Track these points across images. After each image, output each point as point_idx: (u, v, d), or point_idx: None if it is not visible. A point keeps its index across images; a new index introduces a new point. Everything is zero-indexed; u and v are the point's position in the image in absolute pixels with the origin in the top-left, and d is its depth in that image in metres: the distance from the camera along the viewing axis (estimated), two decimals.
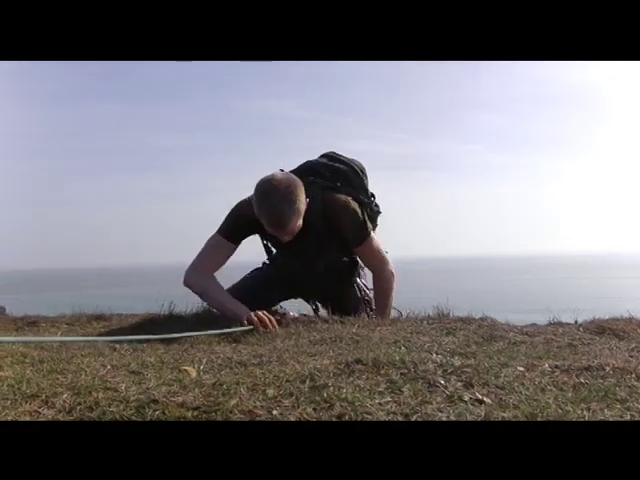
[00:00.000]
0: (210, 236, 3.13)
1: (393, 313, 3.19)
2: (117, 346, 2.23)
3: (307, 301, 3.51)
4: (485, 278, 57.36)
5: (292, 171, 3.17)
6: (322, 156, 3.37)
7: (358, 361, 1.77)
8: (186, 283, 3.06)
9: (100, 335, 2.65)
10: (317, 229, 3.08)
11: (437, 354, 1.96)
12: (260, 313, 2.66)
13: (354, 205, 3.14)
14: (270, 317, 2.66)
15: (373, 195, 3.41)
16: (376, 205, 3.42)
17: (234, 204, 3.16)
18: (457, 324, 2.57)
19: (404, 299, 3.30)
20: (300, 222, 2.89)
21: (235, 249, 3.11)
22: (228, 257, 3.11)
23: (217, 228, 3.12)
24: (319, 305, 3.45)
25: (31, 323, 3.11)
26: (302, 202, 2.86)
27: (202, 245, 3.14)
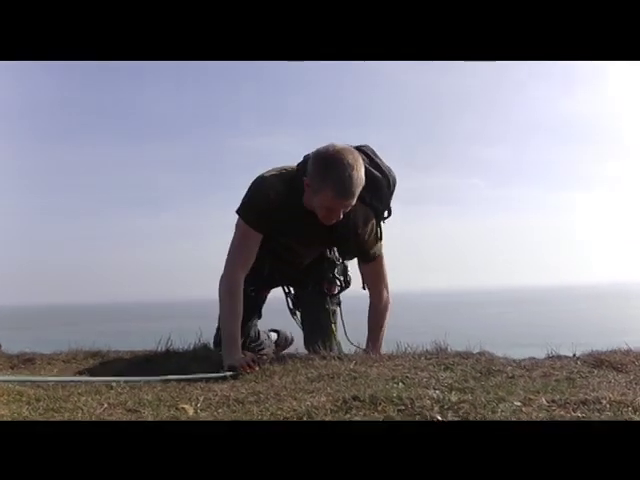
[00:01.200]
0: (239, 226, 2.90)
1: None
2: (114, 384, 2.22)
3: (287, 298, 3.42)
4: (484, 311, 57.23)
5: None
6: (359, 151, 2.91)
7: (355, 398, 1.76)
8: (220, 284, 2.86)
9: (96, 372, 2.63)
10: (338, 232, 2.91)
11: (435, 389, 1.95)
12: (243, 363, 2.53)
13: (373, 220, 2.99)
14: (251, 365, 2.52)
15: (390, 213, 3.13)
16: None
17: (255, 185, 2.91)
18: (455, 359, 2.56)
19: (402, 333, 3.29)
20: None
21: (260, 239, 2.91)
22: (257, 249, 2.90)
23: (242, 212, 2.89)
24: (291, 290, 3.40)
25: (27, 360, 3.10)
26: (363, 172, 2.70)
27: (229, 242, 2.92)
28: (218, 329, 3.28)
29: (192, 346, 3.16)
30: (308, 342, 3.27)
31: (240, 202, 2.92)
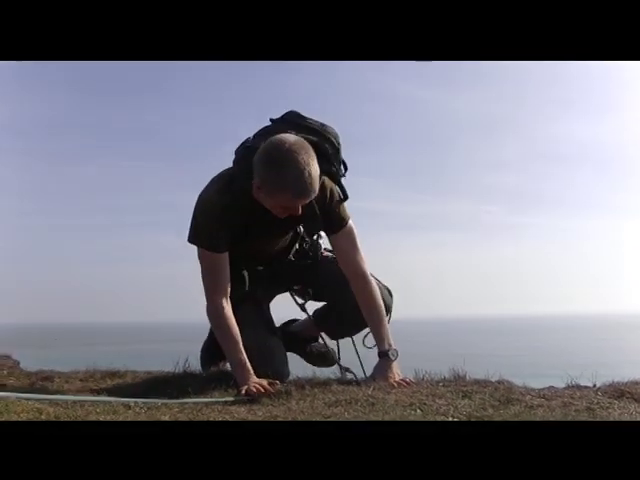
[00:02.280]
0: (200, 255, 2.75)
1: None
2: (132, 404, 2.23)
3: (292, 294, 3.19)
4: (502, 339, 56.68)
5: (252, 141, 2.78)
6: (283, 122, 2.80)
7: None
8: (209, 317, 2.76)
9: (114, 392, 2.64)
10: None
11: (453, 417, 1.94)
12: (259, 386, 2.46)
13: (331, 184, 2.82)
14: (267, 388, 2.45)
15: (346, 167, 2.94)
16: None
17: (198, 207, 2.74)
18: (473, 387, 2.54)
19: (420, 360, 3.25)
20: None
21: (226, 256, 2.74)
22: (227, 269, 2.73)
23: (196, 240, 2.75)
24: (298, 296, 3.16)
25: (45, 378, 3.12)
26: (317, 163, 2.53)
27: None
28: (202, 350, 3.33)
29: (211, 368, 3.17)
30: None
31: (188, 230, 2.78)
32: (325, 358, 3.27)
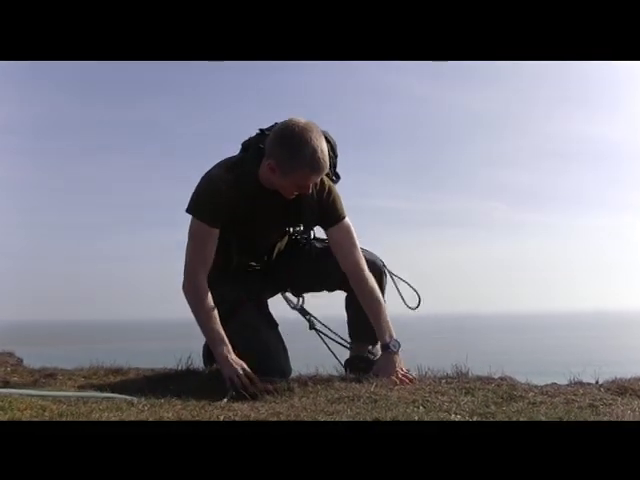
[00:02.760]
0: (192, 226, 2.81)
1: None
2: (135, 401, 2.23)
3: (285, 297, 3.16)
4: (506, 336, 56.64)
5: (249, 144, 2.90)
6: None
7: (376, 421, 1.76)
8: (184, 293, 2.81)
9: (117, 389, 2.64)
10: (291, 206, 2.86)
11: (456, 414, 1.94)
12: (245, 379, 2.53)
13: (330, 181, 2.95)
14: (256, 384, 2.51)
15: (338, 177, 3.07)
16: None
17: (203, 181, 2.83)
18: (476, 383, 2.54)
19: (423, 356, 3.24)
20: None
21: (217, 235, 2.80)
22: (215, 246, 2.79)
23: (193, 211, 2.80)
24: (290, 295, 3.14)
25: (48, 375, 3.12)
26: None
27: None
28: (204, 347, 3.24)
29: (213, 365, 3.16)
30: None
31: (189, 200, 2.83)
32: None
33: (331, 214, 2.92)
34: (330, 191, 2.91)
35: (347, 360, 3.11)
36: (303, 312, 3.13)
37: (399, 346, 2.85)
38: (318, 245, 3.10)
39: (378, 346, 3.03)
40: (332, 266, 2.94)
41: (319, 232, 3.09)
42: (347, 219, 2.94)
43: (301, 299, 3.13)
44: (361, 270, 2.91)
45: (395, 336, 2.87)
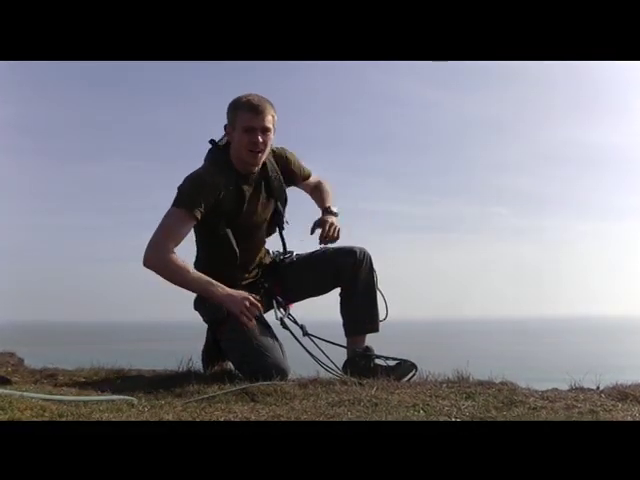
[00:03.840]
0: (169, 212, 2.95)
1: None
2: (135, 402, 2.23)
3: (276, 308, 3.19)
4: (506, 340, 56.51)
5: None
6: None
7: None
8: (147, 264, 2.91)
9: (118, 389, 2.64)
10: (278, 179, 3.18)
11: (456, 418, 1.94)
12: (247, 303, 2.82)
13: (283, 151, 3.28)
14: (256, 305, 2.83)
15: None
16: None
17: (187, 178, 3.00)
18: (477, 388, 2.54)
19: (423, 361, 3.23)
20: (274, 122, 2.99)
21: (193, 226, 2.98)
22: (186, 234, 2.97)
23: (177, 202, 2.95)
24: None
25: (49, 376, 3.12)
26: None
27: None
28: (202, 352, 3.35)
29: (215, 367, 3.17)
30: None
31: (176, 197, 2.97)
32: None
33: (299, 173, 3.32)
34: (289, 157, 3.27)
35: (346, 361, 3.13)
36: (294, 321, 3.17)
37: (338, 212, 3.28)
38: (301, 256, 3.33)
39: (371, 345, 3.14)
40: (322, 269, 3.18)
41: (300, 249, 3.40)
42: (314, 174, 3.40)
43: (287, 309, 3.20)
44: (319, 182, 3.43)
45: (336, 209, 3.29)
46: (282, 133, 3.14)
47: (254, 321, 2.84)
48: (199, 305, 3.16)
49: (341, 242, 3.26)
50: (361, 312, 3.15)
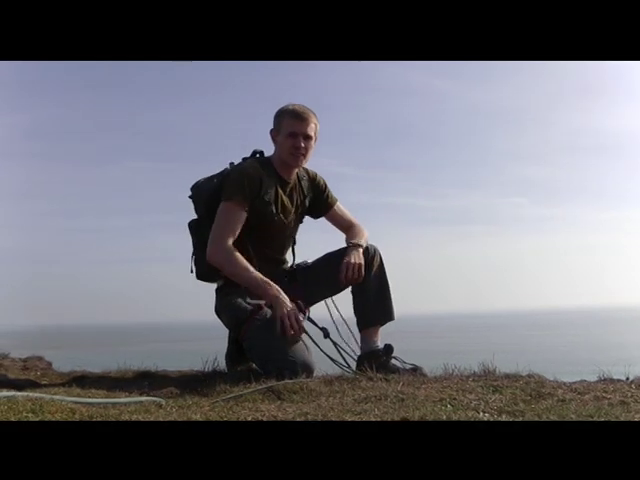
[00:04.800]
0: (221, 208, 3.10)
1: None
2: (163, 403, 2.25)
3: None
4: (531, 333, 56.12)
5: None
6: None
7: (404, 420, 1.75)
8: (210, 259, 3.09)
9: (145, 391, 2.66)
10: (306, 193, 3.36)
11: (484, 413, 1.93)
12: (294, 322, 2.87)
13: (319, 176, 3.46)
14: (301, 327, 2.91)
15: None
16: None
17: (233, 172, 3.21)
18: (504, 381, 2.52)
19: (449, 354, 3.23)
20: (316, 130, 3.20)
21: (244, 215, 3.12)
22: (242, 223, 3.11)
23: (226, 196, 3.10)
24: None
25: (78, 378, 3.15)
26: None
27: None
28: (226, 356, 3.38)
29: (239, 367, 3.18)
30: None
31: (223, 193, 3.13)
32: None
33: (329, 199, 3.46)
34: (320, 182, 3.44)
35: (359, 357, 3.15)
36: (314, 323, 3.19)
37: (365, 245, 3.29)
38: (315, 260, 3.44)
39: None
40: (335, 268, 3.20)
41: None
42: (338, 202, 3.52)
43: (307, 312, 3.20)
44: (355, 224, 3.47)
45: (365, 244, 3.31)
46: None
47: (293, 331, 2.88)
48: (221, 309, 3.20)
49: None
50: (373, 305, 3.21)
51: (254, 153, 3.32)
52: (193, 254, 3.34)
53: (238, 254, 3.05)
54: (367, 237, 3.38)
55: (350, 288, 3.29)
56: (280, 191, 3.23)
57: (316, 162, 3.38)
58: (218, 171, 3.34)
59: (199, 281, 3.32)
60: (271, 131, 3.26)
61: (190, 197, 3.36)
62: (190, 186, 3.35)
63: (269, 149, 3.32)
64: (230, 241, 3.06)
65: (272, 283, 3.01)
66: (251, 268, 3.04)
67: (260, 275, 3.03)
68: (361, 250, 3.24)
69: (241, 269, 3.04)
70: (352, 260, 3.16)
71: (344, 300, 3.31)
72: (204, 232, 3.19)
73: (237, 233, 3.09)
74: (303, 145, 3.15)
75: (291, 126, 3.16)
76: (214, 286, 3.28)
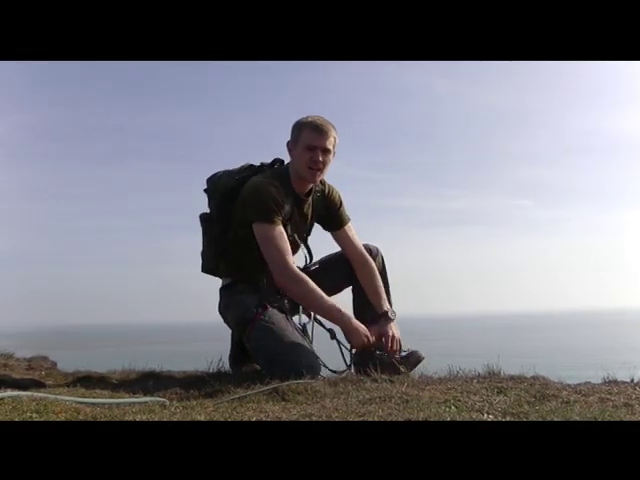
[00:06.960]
0: (261, 230, 3.04)
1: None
2: (167, 403, 2.25)
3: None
4: (536, 335, 56.01)
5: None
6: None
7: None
8: (282, 287, 3.08)
9: (149, 391, 2.66)
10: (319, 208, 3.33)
11: (488, 414, 1.92)
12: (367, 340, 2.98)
13: (336, 191, 3.43)
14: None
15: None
16: None
17: (255, 190, 3.10)
18: (508, 383, 2.52)
19: (454, 356, 3.23)
20: (335, 144, 3.15)
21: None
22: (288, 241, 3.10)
23: (259, 218, 3.05)
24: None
25: (82, 378, 3.16)
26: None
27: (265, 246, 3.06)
28: (229, 358, 3.41)
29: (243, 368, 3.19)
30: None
31: (252, 212, 3.07)
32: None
33: (342, 216, 3.40)
34: (340, 199, 3.41)
35: (354, 355, 3.18)
36: (321, 325, 3.24)
37: (395, 315, 3.21)
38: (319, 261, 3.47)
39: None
40: (338, 269, 3.33)
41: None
42: (350, 222, 3.45)
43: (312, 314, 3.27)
44: (365, 256, 3.35)
45: (391, 307, 3.26)
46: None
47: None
48: (227, 308, 3.20)
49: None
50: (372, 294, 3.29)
51: (274, 162, 3.30)
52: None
53: (308, 279, 3.03)
54: (382, 287, 3.32)
55: (350, 288, 3.37)
56: (295, 209, 3.21)
57: None
58: (236, 167, 3.32)
59: (202, 281, 3.37)
60: (288, 143, 3.20)
61: (205, 190, 3.34)
62: (199, 185, 3.36)
63: (280, 153, 3.31)
64: (293, 264, 3.06)
65: (343, 311, 3.04)
66: (323, 294, 3.02)
67: (333, 304, 3.04)
68: (395, 321, 3.22)
69: (315, 297, 3.02)
70: (397, 335, 3.14)
71: (344, 300, 3.33)
72: (212, 228, 3.23)
73: (289, 251, 3.07)
74: (321, 159, 3.10)
75: (309, 139, 3.10)
76: (218, 287, 3.28)
